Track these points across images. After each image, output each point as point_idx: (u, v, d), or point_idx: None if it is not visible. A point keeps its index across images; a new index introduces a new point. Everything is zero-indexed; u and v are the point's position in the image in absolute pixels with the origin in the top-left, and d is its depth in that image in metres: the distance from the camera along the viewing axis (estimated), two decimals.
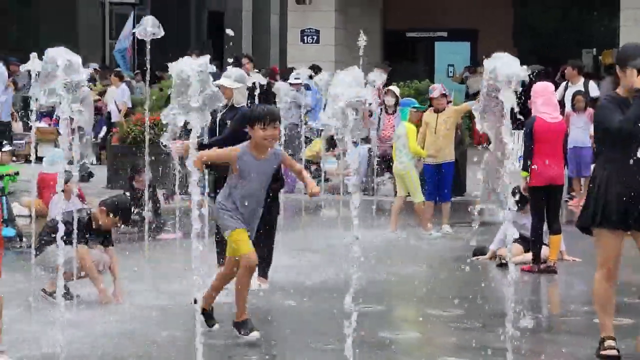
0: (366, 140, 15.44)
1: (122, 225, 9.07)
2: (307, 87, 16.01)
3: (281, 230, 9.65)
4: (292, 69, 17.73)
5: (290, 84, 15.83)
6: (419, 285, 9.01)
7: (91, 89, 17.73)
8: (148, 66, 10.77)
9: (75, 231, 7.53)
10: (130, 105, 18.10)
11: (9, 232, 10.63)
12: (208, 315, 6.99)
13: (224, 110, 9.19)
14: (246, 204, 6.83)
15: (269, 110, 7.08)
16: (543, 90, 10.24)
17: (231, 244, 6.83)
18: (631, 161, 6.53)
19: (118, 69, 20.78)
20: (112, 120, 17.88)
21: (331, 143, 15.04)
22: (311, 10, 20.33)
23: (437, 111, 12.37)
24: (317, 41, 20.68)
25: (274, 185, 8.23)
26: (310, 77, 15.39)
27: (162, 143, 7.18)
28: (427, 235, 11.96)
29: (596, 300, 6.85)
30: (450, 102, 13.10)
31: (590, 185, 6.89)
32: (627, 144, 6.57)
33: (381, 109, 14.47)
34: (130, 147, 14.39)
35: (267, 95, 14.53)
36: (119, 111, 17.87)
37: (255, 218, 7.03)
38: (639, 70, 6.72)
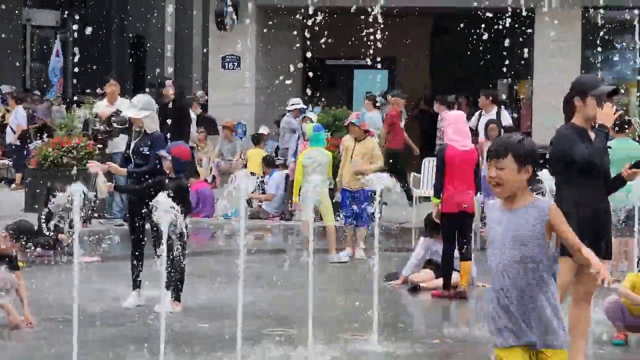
0: (284, 165, 16.06)
1: (33, 248, 9.54)
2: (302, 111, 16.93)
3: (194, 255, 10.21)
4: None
5: (288, 110, 16.71)
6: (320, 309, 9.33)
7: None
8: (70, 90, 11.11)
9: None
10: (25, 127, 18.82)
11: None
12: None
13: (138, 138, 9.61)
14: None
15: None
16: (455, 119, 10.73)
17: None
18: (598, 190, 6.83)
19: (19, 92, 21.73)
20: (7, 142, 18.82)
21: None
22: (232, 36, 20.74)
23: (356, 139, 12.76)
24: (238, 66, 21.08)
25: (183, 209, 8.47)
26: None
27: None
28: (334, 258, 12.32)
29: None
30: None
31: None
32: (595, 174, 6.83)
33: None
34: (48, 170, 14.66)
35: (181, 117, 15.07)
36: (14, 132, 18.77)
37: None
38: (598, 100, 7.03)
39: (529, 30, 18.06)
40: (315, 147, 12.96)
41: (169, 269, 8.64)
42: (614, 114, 7.05)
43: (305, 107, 16.99)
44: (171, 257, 8.63)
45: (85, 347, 7.31)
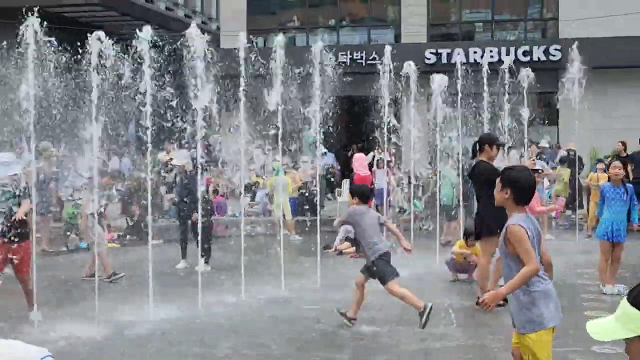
0: None
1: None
2: None
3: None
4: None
5: None
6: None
7: None
8: None
9: None
10: None
11: None
12: None
13: (187, 180, 14.17)
14: None
15: None
16: (359, 157, 17.51)
17: None
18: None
19: None
20: None
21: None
22: (235, 114, 27.52)
23: None
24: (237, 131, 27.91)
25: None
26: None
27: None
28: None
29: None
30: None
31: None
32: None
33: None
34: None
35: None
36: None
37: None
38: (498, 147, 10.44)
39: None
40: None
41: (203, 243, 12.24)
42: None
43: None
44: (203, 235, 11.74)
45: None
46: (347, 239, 16.78)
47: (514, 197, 5.59)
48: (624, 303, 2.74)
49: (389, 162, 18.99)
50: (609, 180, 11.70)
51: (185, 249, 14.14)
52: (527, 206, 5.63)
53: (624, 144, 20.54)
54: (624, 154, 19.91)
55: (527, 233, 5.44)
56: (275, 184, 18.29)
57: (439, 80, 15.25)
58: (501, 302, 7.88)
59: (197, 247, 11.79)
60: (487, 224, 9.97)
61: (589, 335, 2.70)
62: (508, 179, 5.65)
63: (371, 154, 19.89)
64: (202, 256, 12.88)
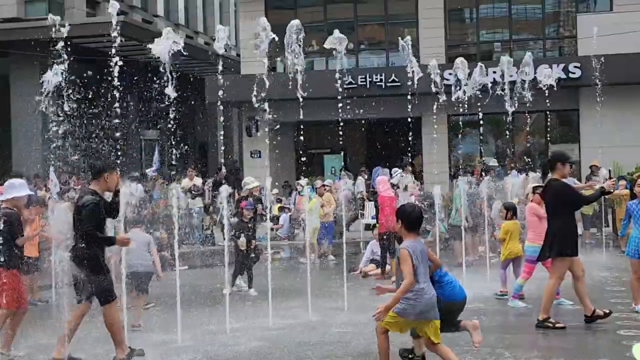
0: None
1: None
2: None
3: None
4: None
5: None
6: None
7: None
8: None
9: None
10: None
11: None
12: None
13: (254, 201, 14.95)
14: None
15: None
16: (381, 179, 17.29)
17: None
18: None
19: None
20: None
21: None
22: (255, 139, 27.94)
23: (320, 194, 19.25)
24: (260, 157, 28.13)
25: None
26: None
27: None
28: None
29: None
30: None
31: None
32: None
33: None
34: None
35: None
36: None
37: None
38: (571, 164, 10.47)
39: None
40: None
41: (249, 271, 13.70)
42: None
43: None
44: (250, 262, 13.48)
45: None
46: (372, 260, 16.68)
47: (405, 227, 7.31)
48: None
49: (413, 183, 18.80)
50: (632, 197, 11.46)
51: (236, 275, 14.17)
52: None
53: None
54: None
55: (412, 256, 7.13)
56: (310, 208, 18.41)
57: None
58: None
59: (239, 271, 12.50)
60: (560, 245, 9.97)
61: (625, 354, 2.57)
62: (401, 213, 7.39)
63: (397, 175, 19.73)
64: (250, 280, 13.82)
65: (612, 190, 10.88)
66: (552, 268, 10.25)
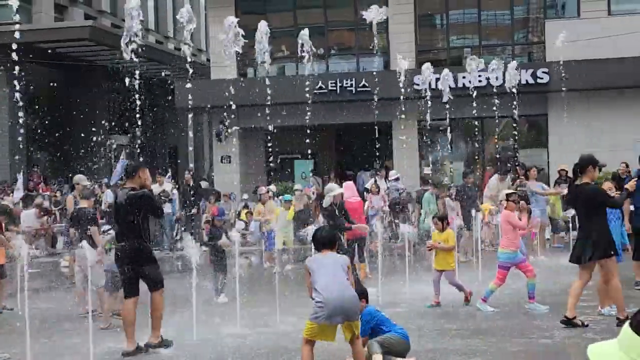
0: None
1: None
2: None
3: None
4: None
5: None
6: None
7: None
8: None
9: None
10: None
11: None
12: None
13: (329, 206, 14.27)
14: None
15: None
16: (348, 185, 17.25)
17: None
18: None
19: None
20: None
21: None
22: (226, 144, 27.74)
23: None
24: (229, 162, 28.09)
25: None
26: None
27: None
28: None
29: None
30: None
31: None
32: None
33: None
34: None
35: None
36: None
37: None
38: (600, 168, 11.26)
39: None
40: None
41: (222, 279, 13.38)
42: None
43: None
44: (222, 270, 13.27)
45: None
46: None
47: (315, 248, 8.23)
48: (627, 329, 2.65)
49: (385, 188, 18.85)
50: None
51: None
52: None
53: (627, 165, 19.13)
54: (625, 176, 18.19)
55: (311, 268, 7.76)
56: (280, 216, 18.55)
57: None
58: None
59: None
60: (603, 247, 10.09)
61: (589, 358, 2.60)
62: (312, 237, 8.25)
63: (371, 180, 19.77)
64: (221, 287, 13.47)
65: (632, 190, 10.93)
66: (607, 269, 10.31)
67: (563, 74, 25.26)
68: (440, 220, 12.74)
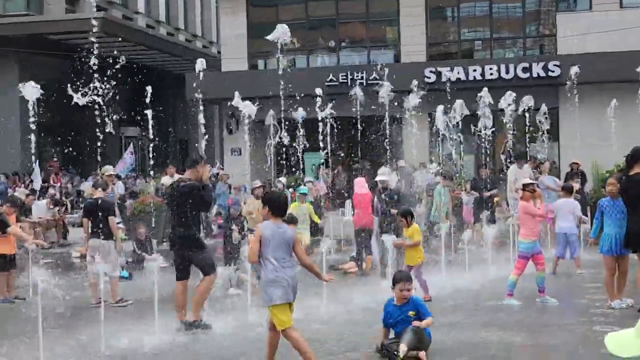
0: None
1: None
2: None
3: None
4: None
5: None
6: None
7: None
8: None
9: None
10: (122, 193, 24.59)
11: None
12: None
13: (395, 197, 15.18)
14: None
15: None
16: (358, 181, 17.06)
17: None
18: None
19: None
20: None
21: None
22: (235, 137, 27.77)
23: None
24: (240, 154, 28.16)
25: None
26: None
27: None
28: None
29: None
30: None
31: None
32: None
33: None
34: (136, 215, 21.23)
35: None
36: None
37: None
38: None
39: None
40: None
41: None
42: None
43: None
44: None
45: None
46: (351, 258, 16.75)
47: (271, 212, 7.71)
48: None
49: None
50: None
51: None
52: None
53: None
54: None
55: (262, 234, 7.50)
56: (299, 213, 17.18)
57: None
58: None
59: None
60: None
61: (600, 349, 2.63)
62: (268, 199, 7.92)
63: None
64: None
65: None
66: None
67: (576, 67, 25.16)
68: (404, 217, 12.53)
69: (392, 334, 8.71)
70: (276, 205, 7.80)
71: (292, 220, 12.28)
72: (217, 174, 25.84)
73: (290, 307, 7.55)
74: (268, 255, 7.46)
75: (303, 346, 7.56)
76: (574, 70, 24.96)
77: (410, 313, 8.59)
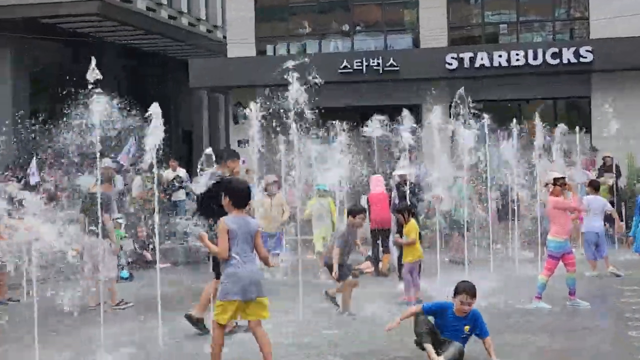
0: None
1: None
2: None
3: None
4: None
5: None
6: None
7: None
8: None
9: None
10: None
11: None
12: None
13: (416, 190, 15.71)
14: None
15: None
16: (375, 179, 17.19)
17: None
18: None
19: None
20: None
21: None
22: (243, 127, 27.37)
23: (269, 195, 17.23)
24: (248, 145, 27.55)
25: None
26: None
27: None
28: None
29: None
30: None
31: None
32: None
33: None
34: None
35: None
36: None
37: None
38: None
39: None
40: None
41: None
42: None
43: None
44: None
45: None
46: (367, 258, 16.76)
47: (232, 203, 7.66)
48: None
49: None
50: None
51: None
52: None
53: None
54: None
55: (229, 228, 7.48)
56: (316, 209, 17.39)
57: None
58: None
59: None
60: None
61: (636, 356, 2.59)
62: (228, 190, 7.78)
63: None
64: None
65: None
66: None
67: (610, 52, 24.96)
68: (401, 213, 12.67)
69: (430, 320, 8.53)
70: (239, 196, 7.78)
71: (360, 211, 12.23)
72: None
73: (247, 305, 7.56)
74: (232, 250, 7.49)
75: (217, 348, 7.69)
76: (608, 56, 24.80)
77: (466, 328, 8.48)
